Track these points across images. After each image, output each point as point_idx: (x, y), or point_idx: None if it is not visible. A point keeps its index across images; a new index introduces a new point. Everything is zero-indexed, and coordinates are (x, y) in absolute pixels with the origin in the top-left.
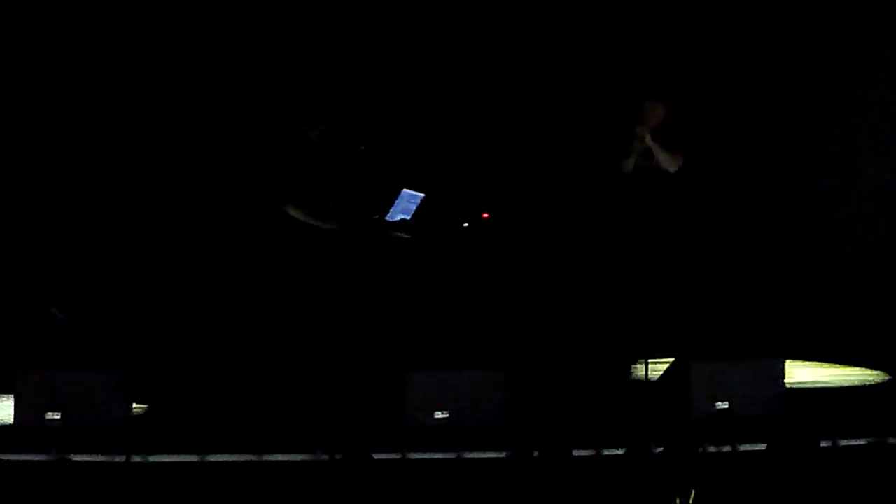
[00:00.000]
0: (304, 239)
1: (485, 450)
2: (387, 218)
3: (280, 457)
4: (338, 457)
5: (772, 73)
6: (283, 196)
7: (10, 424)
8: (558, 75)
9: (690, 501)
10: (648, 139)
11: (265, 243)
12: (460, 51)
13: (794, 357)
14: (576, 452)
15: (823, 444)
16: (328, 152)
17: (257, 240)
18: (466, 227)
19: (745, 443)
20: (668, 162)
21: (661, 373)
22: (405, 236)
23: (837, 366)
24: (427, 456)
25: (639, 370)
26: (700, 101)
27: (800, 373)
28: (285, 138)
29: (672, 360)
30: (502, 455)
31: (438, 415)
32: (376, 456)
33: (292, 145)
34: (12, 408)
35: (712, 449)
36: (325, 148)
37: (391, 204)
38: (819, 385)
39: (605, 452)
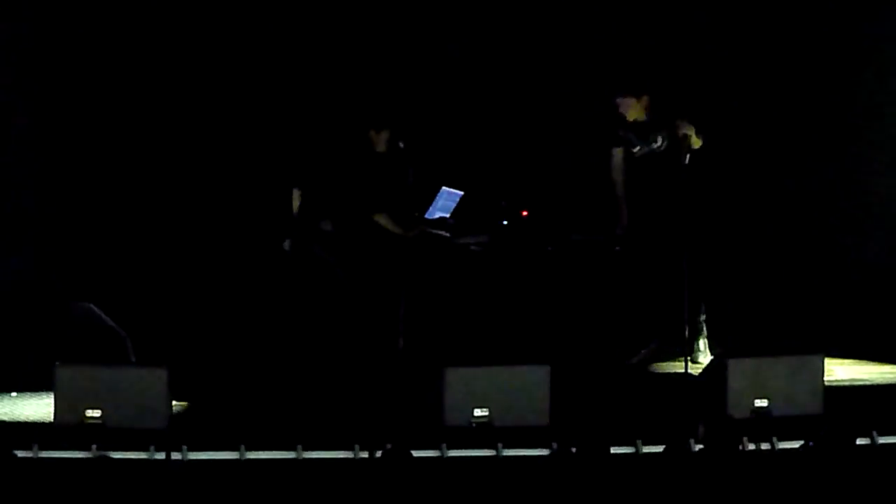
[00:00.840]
0: (344, 239)
1: (522, 447)
2: (426, 216)
3: (319, 454)
4: (377, 454)
5: (814, 67)
6: (374, 206)
7: (49, 422)
8: (598, 74)
9: None
10: (690, 128)
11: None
12: (499, 47)
13: (834, 354)
14: (614, 450)
15: (863, 441)
16: (391, 157)
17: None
18: (506, 224)
19: (785, 440)
20: (696, 141)
21: (700, 370)
22: (445, 234)
23: (877, 363)
24: (466, 454)
25: (677, 366)
26: (743, 95)
27: (839, 370)
28: (354, 146)
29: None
30: (541, 453)
31: (478, 412)
32: (415, 453)
33: (361, 152)
34: (52, 405)
35: (752, 447)
36: (390, 153)
37: (430, 202)
38: (859, 383)
39: (644, 450)
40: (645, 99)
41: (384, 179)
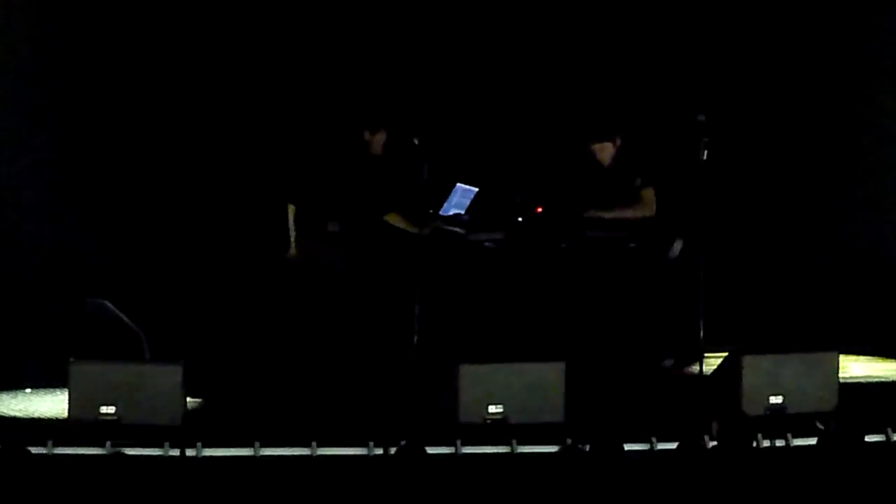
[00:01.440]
0: (358, 236)
1: (537, 444)
2: (441, 213)
3: (333, 451)
4: (391, 451)
5: (826, 65)
6: (383, 207)
7: (64, 418)
8: (610, 72)
9: None
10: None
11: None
12: (514, 46)
13: (849, 351)
14: (628, 446)
15: (878, 439)
16: (390, 158)
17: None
18: (521, 221)
19: (800, 437)
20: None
21: (714, 367)
22: (459, 231)
23: (893, 360)
24: (480, 451)
25: (693, 364)
26: (754, 94)
27: (855, 367)
28: (349, 146)
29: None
30: (555, 449)
31: (492, 409)
32: (429, 450)
33: (354, 153)
34: (66, 401)
35: (766, 443)
36: (388, 155)
37: (445, 199)
38: (874, 379)
39: (659, 446)
40: (617, 140)
41: (383, 181)
